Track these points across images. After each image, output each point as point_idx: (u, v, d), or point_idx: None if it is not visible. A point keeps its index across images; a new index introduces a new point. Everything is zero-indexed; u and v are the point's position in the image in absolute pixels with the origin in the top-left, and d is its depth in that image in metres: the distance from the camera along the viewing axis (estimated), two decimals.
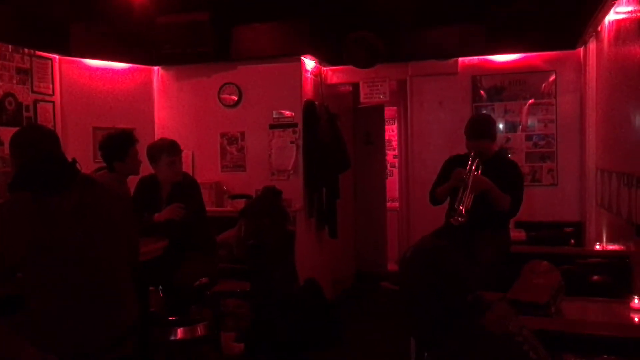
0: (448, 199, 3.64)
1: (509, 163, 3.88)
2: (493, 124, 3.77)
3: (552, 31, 5.13)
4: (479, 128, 3.64)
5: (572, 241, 4.80)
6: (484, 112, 5.51)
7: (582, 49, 5.15)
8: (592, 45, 4.74)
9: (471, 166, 3.48)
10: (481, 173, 3.48)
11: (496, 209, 3.45)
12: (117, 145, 3.50)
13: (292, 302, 4.22)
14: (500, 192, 3.42)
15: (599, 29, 4.37)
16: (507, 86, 5.48)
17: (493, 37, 5.24)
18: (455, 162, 3.66)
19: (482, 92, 5.55)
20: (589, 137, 4.86)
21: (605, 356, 1.96)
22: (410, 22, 5.39)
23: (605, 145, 4.23)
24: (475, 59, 5.56)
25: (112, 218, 2.30)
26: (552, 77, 5.36)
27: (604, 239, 4.15)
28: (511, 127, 5.49)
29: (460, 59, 5.57)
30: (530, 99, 5.42)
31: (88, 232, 2.16)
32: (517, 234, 4.46)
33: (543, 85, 5.39)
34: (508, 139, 5.49)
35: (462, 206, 3.40)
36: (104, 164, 3.68)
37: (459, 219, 3.41)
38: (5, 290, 2.22)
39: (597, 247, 4.18)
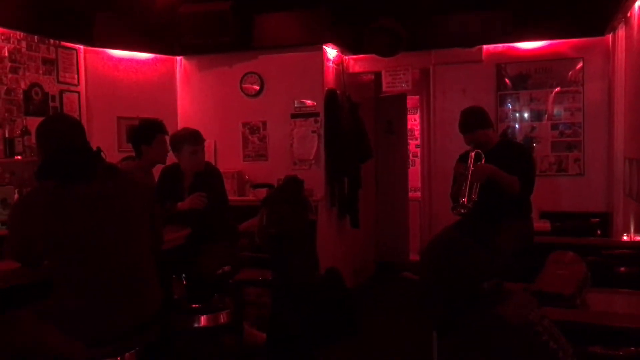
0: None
1: (514, 147, 3.88)
2: (482, 114, 3.72)
3: (579, 17, 5.02)
4: (469, 120, 3.65)
5: (599, 232, 4.72)
6: (509, 100, 5.45)
7: (610, 35, 5.02)
8: (621, 32, 4.62)
9: (470, 159, 3.50)
10: (486, 162, 3.48)
11: (508, 194, 3.42)
12: (146, 128, 3.53)
13: (312, 292, 4.22)
14: (506, 175, 3.39)
15: (628, 14, 4.25)
16: (532, 74, 5.38)
17: (518, 23, 5.14)
18: (462, 160, 3.68)
19: (506, 80, 5.46)
20: (617, 125, 4.75)
21: (632, 348, 1.93)
22: (433, 9, 5.31)
23: (634, 134, 4.13)
24: (500, 46, 5.46)
25: (135, 207, 2.32)
26: (580, 65, 5.24)
27: (632, 230, 4.07)
28: (537, 116, 5.40)
29: (484, 46, 5.48)
30: (556, 87, 5.32)
31: (110, 220, 2.19)
32: (541, 225, 4.41)
33: (570, 72, 5.28)
34: (533, 128, 5.40)
35: (463, 198, 3.42)
36: (129, 154, 3.71)
37: (461, 210, 3.45)
38: (33, 277, 2.27)
39: (625, 238, 4.10)
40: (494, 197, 3.44)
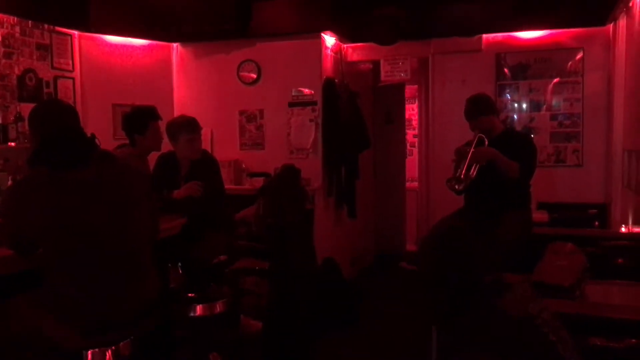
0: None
1: (518, 136, 3.92)
2: (487, 101, 3.76)
3: (580, 6, 4.98)
4: (474, 107, 3.69)
5: (596, 223, 4.71)
6: (508, 90, 5.43)
7: (611, 25, 4.99)
8: (622, 22, 4.59)
9: (473, 142, 3.54)
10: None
11: (508, 180, 3.43)
12: (138, 117, 3.47)
13: (310, 281, 4.21)
14: (507, 160, 3.42)
15: (630, 4, 4.21)
16: (532, 64, 5.35)
17: (519, 12, 5.09)
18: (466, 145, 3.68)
19: (506, 70, 5.42)
20: (616, 116, 4.73)
21: (633, 340, 1.92)
22: None
23: (634, 125, 4.10)
24: (499, 35, 5.42)
25: (132, 194, 2.28)
26: (580, 55, 5.21)
27: (630, 221, 4.06)
28: (535, 106, 5.37)
29: (484, 35, 5.44)
30: (556, 77, 5.29)
31: (106, 207, 2.15)
32: (539, 216, 4.39)
33: (570, 63, 5.24)
34: (532, 119, 5.38)
35: (460, 172, 3.46)
36: (124, 142, 3.67)
37: (455, 185, 3.49)
38: (26, 265, 2.23)
39: (623, 229, 4.09)
40: (494, 186, 3.44)
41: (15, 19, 4.44)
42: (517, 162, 3.42)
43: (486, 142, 3.54)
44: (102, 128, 4.78)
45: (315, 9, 5.29)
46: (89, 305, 2.10)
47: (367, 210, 6.62)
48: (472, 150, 3.49)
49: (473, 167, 3.47)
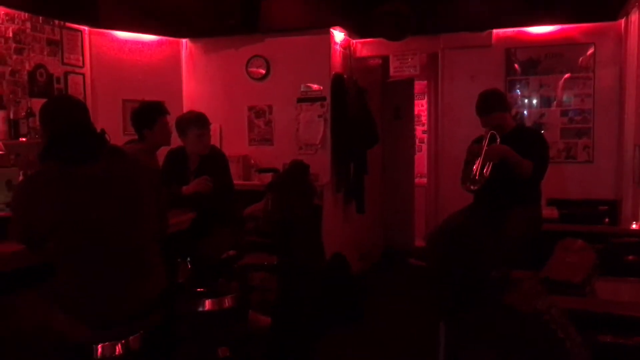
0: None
1: (530, 132, 3.88)
2: (499, 97, 3.73)
3: (592, 1, 4.93)
4: (486, 102, 3.64)
5: (607, 220, 4.68)
6: (518, 86, 5.39)
7: (623, 20, 4.93)
8: (634, 17, 4.53)
9: (485, 140, 3.50)
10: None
11: (519, 178, 3.39)
12: (147, 112, 3.49)
13: (318, 277, 4.22)
14: (519, 158, 3.38)
15: None
16: (542, 59, 5.30)
17: (529, 7, 5.05)
18: (476, 142, 3.67)
19: (516, 65, 5.38)
20: (628, 112, 4.69)
21: None
22: None
23: None
24: (509, 30, 5.38)
25: (140, 189, 2.30)
26: (591, 50, 5.16)
27: None
28: (546, 102, 5.33)
29: (494, 30, 5.40)
30: (566, 72, 5.24)
31: (115, 202, 2.17)
32: (549, 212, 4.37)
33: (580, 58, 5.19)
34: (542, 115, 5.34)
35: (474, 173, 3.45)
36: (133, 137, 3.69)
37: (471, 186, 3.48)
38: (36, 259, 2.25)
39: (633, 226, 4.06)
40: (504, 182, 3.41)
41: (26, 14, 4.46)
42: (530, 158, 3.38)
43: (498, 139, 3.50)
44: (112, 123, 4.82)
45: (324, 4, 5.28)
46: (96, 299, 2.11)
47: (375, 205, 6.61)
48: (485, 148, 3.46)
49: (486, 166, 3.44)
